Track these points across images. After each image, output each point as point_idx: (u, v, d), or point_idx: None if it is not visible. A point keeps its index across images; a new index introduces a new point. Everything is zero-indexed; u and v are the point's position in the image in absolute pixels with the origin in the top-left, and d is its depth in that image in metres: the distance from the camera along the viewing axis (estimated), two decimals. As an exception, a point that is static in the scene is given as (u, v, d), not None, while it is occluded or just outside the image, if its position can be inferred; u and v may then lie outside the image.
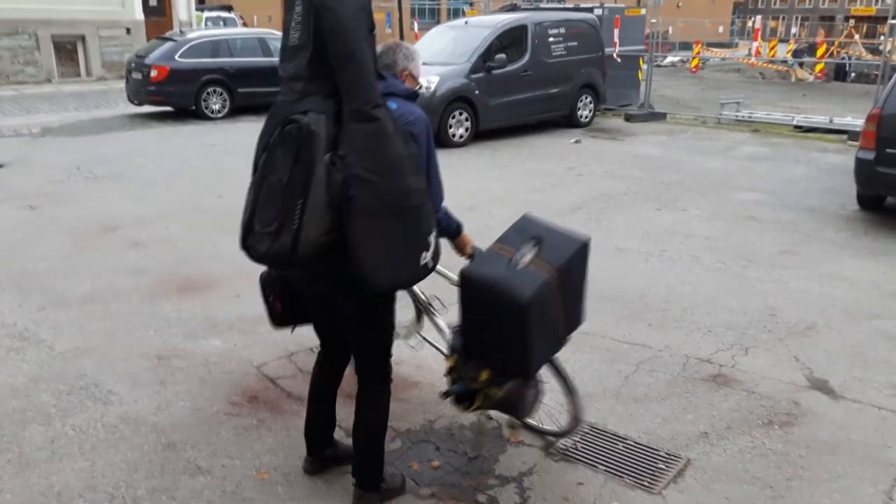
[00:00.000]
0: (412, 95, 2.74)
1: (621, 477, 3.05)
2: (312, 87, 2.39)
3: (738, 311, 4.68)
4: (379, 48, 2.67)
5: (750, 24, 54.58)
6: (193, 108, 12.80)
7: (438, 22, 31.76)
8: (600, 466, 3.12)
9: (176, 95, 12.73)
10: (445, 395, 2.90)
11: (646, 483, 3.02)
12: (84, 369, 3.81)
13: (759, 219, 6.78)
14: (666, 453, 3.21)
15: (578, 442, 3.28)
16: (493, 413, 3.32)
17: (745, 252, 5.81)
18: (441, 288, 3.18)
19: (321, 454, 3.02)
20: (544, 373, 3.01)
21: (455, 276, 2.80)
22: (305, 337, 4.14)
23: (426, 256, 2.47)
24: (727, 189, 7.94)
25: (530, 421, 3.32)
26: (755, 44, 23.09)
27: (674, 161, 9.48)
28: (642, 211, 7.04)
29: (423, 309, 3.43)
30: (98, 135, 11.24)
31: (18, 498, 2.79)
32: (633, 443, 3.30)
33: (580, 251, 2.78)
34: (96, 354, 3.99)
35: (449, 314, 3.23)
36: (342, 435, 3.13)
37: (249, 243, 2.43)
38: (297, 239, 2.27)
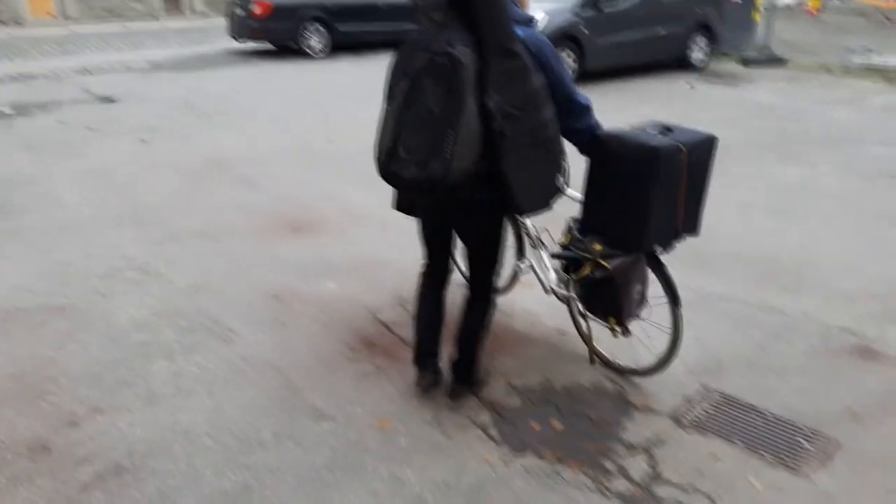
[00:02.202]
0: (529, 20, 2.68)
1: (761, 453, 2.83)
2: (452, 19, 2.42)
3: (881, 278, 4.27)
4: None
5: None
6: (295, 45, 12.79)
7: (537, -42, 30.57)
8: (737, 440, 2.90)
9: (278, 32, 12.76)
10: (554, 256, 3.11)
11: (789, 462, 2.79)
12: (204, 306, 3.85)
13: (899, 176, 6.20)
14: (810, 431, 2.96)
15: (710, 412, 3.07)
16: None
17: (886, 212, 5.31)
18: (552, 221, 3.18)
19: (427, 366, 3.09)
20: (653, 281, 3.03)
21: (578, 194, 2.96)
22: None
23: (560, 179, 2.76)
24: (859, 143, 7.29)
25: (608, 356, 3.33)
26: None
27: (797, 110, 8.80)
28: (766, 163, 6.55)
29: (533, 243, 3.40)
30: (202, 71, 11.40)
31: (148, 432, 2.83)
32: (771, 417, 3.06)
33: (706, 143, 2.84)
34: (214, 291, 4.02)
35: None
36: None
37: (393, 169, 2.49)
38: (447, 168, 2.37)
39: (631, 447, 2.85)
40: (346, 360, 3.37)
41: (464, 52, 2.34)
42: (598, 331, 3.22)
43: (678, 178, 2.75)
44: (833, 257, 4.56)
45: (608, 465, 2.75)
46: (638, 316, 3.10)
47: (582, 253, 2.90)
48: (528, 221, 3.36)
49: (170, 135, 7.44)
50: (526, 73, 2.48)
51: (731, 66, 12.13)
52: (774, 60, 12.15)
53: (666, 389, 3.22)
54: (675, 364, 3.37)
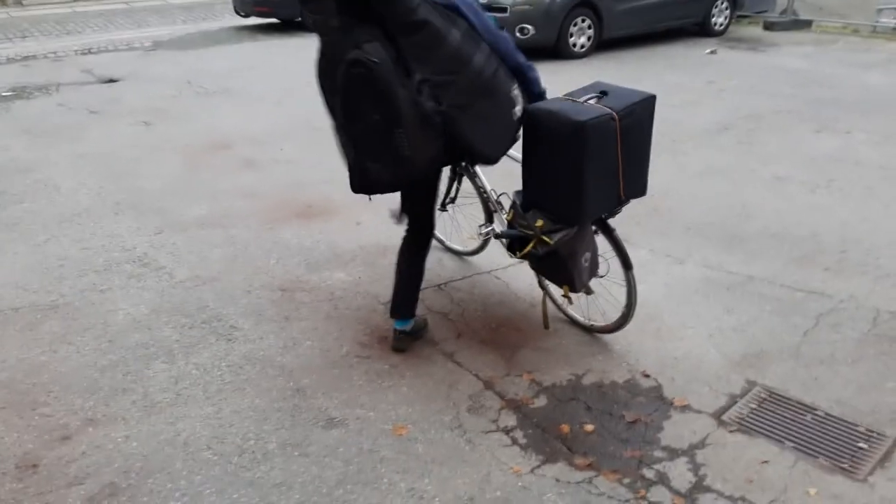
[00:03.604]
0: None
1: (815, 456, 2.57)
2: (348, 17, 2.40)
3: (932, 256, 3.97)
4: None
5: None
6: (300, 19, 12.42)
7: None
8: (787, 442, 2.64)
9: (282, 6, 12.35)
10: (498, 235, 3.14)
11: (846, 466, 2.53)
12: (205, 300, 3.61)
13: (941, 143, 5.83)
14: (867, 429, 2.69)
15: (756, 410, 2.81)
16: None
17: (931, 184, 4.98)
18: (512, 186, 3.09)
19: (405, 317, 3.13)
20: (602, 246, 3.02)
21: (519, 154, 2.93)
22: (431, 272, 3.83)
23: (517, 111, 2.73)
24: (894, 108, 6.90)
25: (573, 313, 3.35)
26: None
27: (827, 75, 8.38)
28: (799, 133, 6.20)
29: (494, 207, 3.34)
30: (207, 48, 11.09)
31: (145, 446, 2.60)
32: (823, 414, 2.79)
33: (644, 102, 2.77)
34: (217, 284, 3.78)
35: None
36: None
37: (365, 183, 2.64)
38: (413, 162, 2.50)
39: (671, 451, 2.60)
40: (356, 359, 3.13)
41: (374, 49, 2.35)
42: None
43: (612, 146, 2.67)
44: (878, 234, 4.24)
45: (647, 472, 2.50)
46: (591, 280, 3.08)
47: (525, 230, 2.88)
48: (488, 186, 3.33)
49: (172, 116, 7.17)
50: (439, 37, 2.45)
51: (753, 30, 11.64)
52: (799, 23, 11.64)
53: (706, 385, 2.95)
54: (715, 356, 3.13)
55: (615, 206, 2.89)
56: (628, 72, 8.72)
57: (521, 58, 2.75)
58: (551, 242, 2.81)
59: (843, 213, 4.52)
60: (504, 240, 3.13)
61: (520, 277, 3.72)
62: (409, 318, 3.17)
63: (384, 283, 3.76)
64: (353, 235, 4.34)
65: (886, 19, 11.44)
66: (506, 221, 3.08)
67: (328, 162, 5.61)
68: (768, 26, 11.55)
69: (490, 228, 3.33)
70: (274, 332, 3.33)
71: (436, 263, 3.86)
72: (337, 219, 4.59)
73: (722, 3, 10.84)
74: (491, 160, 2.82)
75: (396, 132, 2.41)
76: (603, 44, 9.72)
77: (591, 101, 2.71)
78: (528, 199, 2.91)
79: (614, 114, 2.64)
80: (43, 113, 7.37)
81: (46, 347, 3.22)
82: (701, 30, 10.78)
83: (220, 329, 3.36)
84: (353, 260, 4.05)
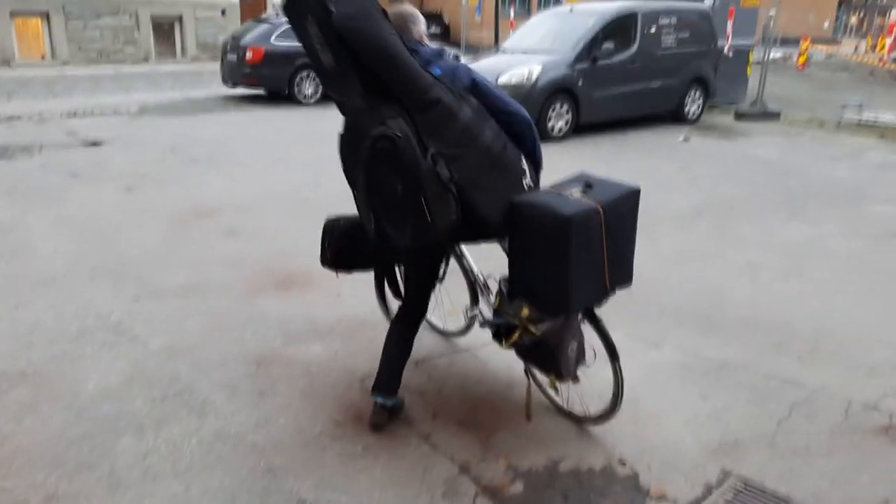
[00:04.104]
0: (440, 54, 2.81)
1: (791, 552, 2.55)
2: (372, 97, 2.59)
3: (901, 348, 4.05)
4: None
5: (855, 20, 51.27)
6: (287, 92, 12.69)
7: (529, 10, 31.04)
8: (764, 536, 2.63)
9: (270, 78, 12.67)
10: (483, 323, 3.07)
11: (823, 564, 2.51)
12: (179, 372, 3.56)
13: (905, 236, 6.03)
14: (843, 525, 2.69)
15: (732, 501, 2.79)
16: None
17: (898, 275, 5.12)
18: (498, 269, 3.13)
19: (389, 394, 3.14)
20: (588, 335, 3.00)
21: None
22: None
23: (527, 180, 2.87)
24: (861, 201, 7.15)
25: (559, 401, 3.31)
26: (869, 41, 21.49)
27: (796, 166, 8.69)
28: (771, 221, 6.38)
29: (480, 290, 3.38)
30: (193, 115, 11.25)
31: (109, 525, 2.51)
32: (800, 508, 2.78)
33: (629, 195, 2.83)
34: (192, 355, 3.73)
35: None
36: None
37: (390, 246, 2.78)
38: (435, 228, 2.60)
39: (647, 544, 2.56)
40: (330, 438, 3.07)
41: (398, 125, 2.51)
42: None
43: (597, 239, 2.71)
44: (848, 323, 4.33)
45: (623, 566, 2.46)
46: (577, 370, 3.03)
47: (510, 319, 2.85)
48: (476, 268, 3.40)
49: (156, 181, 7.21)
50: (451, 115, 2.61)
51: (725, 119, 12.12)
52: (768, 115, 12.15)
53: (682, 474, 2.94)
54: (691, 443, 3.12)
55: (602, 297, 2.90)
56: (604, 155, 8.99)
57: (533, 142, 2.92)
58: (537, 333, 2.80)
59: (815, 303, 4.62)
60: (490, 327, 3.10)
61: (498, 356, 3.72)
62: (392, 396, 3.16)
63: (362, 358, 3.75)
64: (333, 307, 4.33)
65: (850, 114, 12.00)
66: (492, 308, 3.07)
67: (312, 232, 5.65)
68: (739, 116, 12.04)
69: (475, 313, 3.34)
70: (247, 407, 3.28)
71: (414, 340, 3.85)
72: (317, 290, 4.59)
73: (695, 93, 11.30)
74: (498, 231, 2.89)
75: (419, 200, 2.53)
76: (580, 128, 10.03)
77: (577, 194, 2.76)
78: (515, 288, 2.90)
79: (599, 207, 2.67)
80: (24, 174, 7.37)
81: (12, 417, 3.12)
82: (674, 117, 11.19)
83: (192, 403, 3.29)
84: (331, 333, 4.03)
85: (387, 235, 2.74)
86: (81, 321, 4.07)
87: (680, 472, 2.95)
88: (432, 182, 2.53)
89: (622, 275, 2.92)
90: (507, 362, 3.62)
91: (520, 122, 2.87)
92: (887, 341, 4.11)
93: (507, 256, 2.93)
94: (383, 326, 3.99)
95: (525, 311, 2.80)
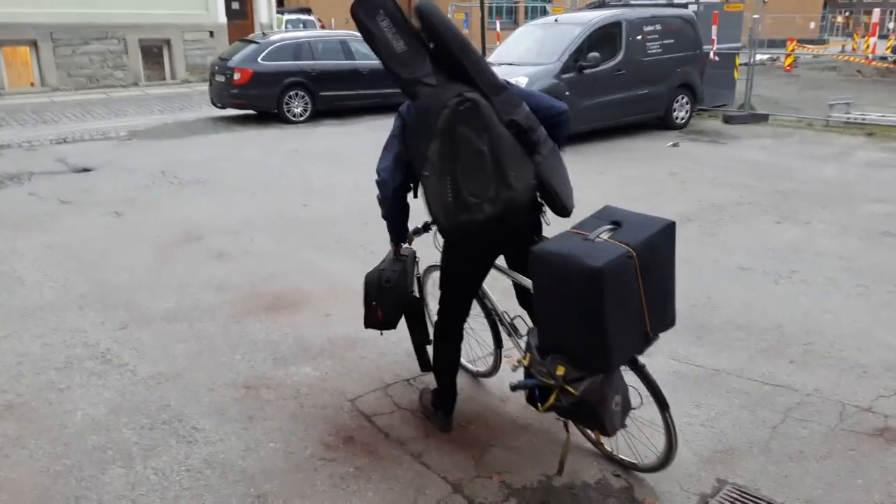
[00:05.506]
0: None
1: (788, 561, 2.52)
2: (444, 78, 2.74)
3: (894, 348, 4.03)
4: None
5: (841, 19, 51.68)
6: (276, 111, 12.70)
7: (516, 22, 31.19)
8: (760, 545, 2.60)
9: (259, 98, 12.67)
10: (515, 387, 2.72)
11: (821, 571, 2.48)
12: (167, 399, 3.52)
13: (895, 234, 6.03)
14: (839, 531, 2.66)
15: (729, 510, 2.77)
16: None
17: (889, 274, 5.11)
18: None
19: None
20: (634, 383, 2.74)
21: None
22: (400, 366, 3.81)
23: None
24: (851, 200, 7.16)
25: (607, 447, 3.05)
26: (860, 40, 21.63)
27: (785, 167, 8.71)
28: (761, 224, 6.37)
29: (508, 330, 3.28)
30: (182, 138, 11.24)
31: (96, 559, 2.48)
32: (795, 514, 2.76)
33: (663, 232, 2.59)
34: (180, 382, 3.70)
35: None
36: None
37: (464, 219, 2.66)
38: (517, 189, 2.65)
39: (643, 558, 2.54)
40: (321, 461, 3.04)
41: (476, 95, 2.65)
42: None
43: (633, 286, 2.45)
44: (841, 326, 4.32)
45: (619, 581, 2.43)
46: (624, 423, 2.72)
47: (544, 379, 2.58)
48: (500, 308, 3.30)
49: (145, 206, 7.19)
50: (519, 100, 2.78)
51: (713, 123, 12.15)
52: (757, 117, 12.19)
53: (676, 484, 2.91)
54: (685, 452, 3.09)
55: (644, 345, 2.63)
56: (593, 164, 8.99)
57: (569, 129, 3.05)
58: (576, 393, 2.52)
59: (807, 305, 4.61)
60: (522, 389, 2.75)
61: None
62: None
63: (352, 378, 3.72)
64: (322, 328, 4.31)
65: (837, 114, 12.03)
66: (523, 359, 2.76)
67: (300, 253, 5.67)
68: (727, 120, 12.06)
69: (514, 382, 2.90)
70: (236, 433, 3.25)
71: (405, 356, 3.83)
72: (306, 310, 4.57)
73: (682, 98, 11.33)
74: (564, 209, 2.85)
75: (502, 162, 2.62)
76: (569, 137, 10.01)
77: (604, 236, 2.50)
78: (546, 343, 2.63)
79: (631, 250, 2.41)
80: (13, 202, 7.35)
81: (-2, 451, 3.09)
82: (663, 123, 11.21)
83: (180, 430, 3.26)
84: (321, 354, 4.01)
85: (468, 206, 2.63)
86: (69, 350, 4.04)
87: (674, 482, 2.93)
88: (509, 143, 2.66)
89: (664, 317, 2.66)
90: (498, 377, 3.61)
91: (563, 112, 2.96)
92: (879, 341, 4.10)
93: (534, 308, 2.70)
94: (374, 345, 3.99)
95: (561, 370, 2.53)
